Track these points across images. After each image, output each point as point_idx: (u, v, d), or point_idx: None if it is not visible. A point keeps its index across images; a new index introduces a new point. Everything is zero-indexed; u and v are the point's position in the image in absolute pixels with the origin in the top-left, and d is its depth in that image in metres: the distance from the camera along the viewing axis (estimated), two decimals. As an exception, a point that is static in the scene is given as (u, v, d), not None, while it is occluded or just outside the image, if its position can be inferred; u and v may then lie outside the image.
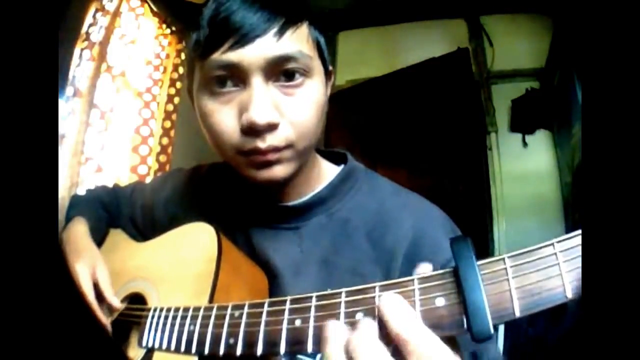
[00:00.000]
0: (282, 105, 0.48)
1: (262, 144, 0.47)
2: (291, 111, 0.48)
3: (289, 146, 0.49)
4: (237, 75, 0.48)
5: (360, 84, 2.45)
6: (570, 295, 0.27)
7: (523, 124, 2.24)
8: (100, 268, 0.61)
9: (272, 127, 0.47)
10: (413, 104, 2.20)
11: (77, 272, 0.59)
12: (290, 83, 0.49)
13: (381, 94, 2.32)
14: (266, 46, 0.46)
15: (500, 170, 2.22)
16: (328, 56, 0.56)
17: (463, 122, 2.08)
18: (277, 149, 0.48)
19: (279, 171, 0.50)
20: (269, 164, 0.49)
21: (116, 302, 0.58)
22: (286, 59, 0.47)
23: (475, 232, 1.98)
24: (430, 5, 2.41)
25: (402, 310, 0.30)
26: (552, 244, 0.28)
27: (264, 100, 0.46)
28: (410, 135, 2.20)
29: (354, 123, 2.35)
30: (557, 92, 2.06)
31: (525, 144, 2.23)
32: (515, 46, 2.32)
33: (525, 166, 2.22)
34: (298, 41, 0.48)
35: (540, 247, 0.29)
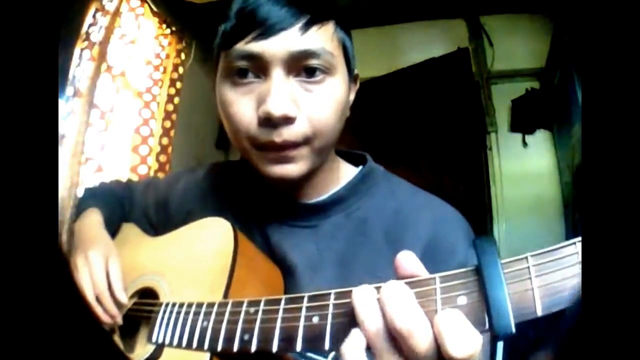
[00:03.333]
0: (301, 100, 0.48)
1: (277, 138, 0.47)
2: (309, 107, 0.48)
3: (305, 143, 0.49)
4: (259, 67, 0.48)
5: (360, 84, 2.44)
6: None
7: (523, 124, 2.23)
8: (113, 260, 0.59)
9: (288, 120, 0.47)
10: (413, 104, 2.20)
11: (90, 261, 0.57)
12: (311, 79, 0.48)
13: (381, 94, 2.31)
14: (290, 40, 0.47)
15: (500, 170, 2.22)
16: (354, 58, 0.55)
17: (463, 122, 2.08)
18: (292, 145, 0.48)
19: (293, 169, 0.49)
20: (284, 160, 0.49)
21: (124, 298, 0.56)
22: (309, 54, 0.47)
23: (475, 232, 1.98)
24: (430, 5, 2.41)
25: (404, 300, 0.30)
26: (574, 243, 0.28)
27: (282, 93, 0.46)
28: (411, 135, 2.19)
29: (354, 123, 2.34)
30: (557, 92, 2.05)
31: (525, 144, 2.23)
32: (515, 46, 2.32)
33: (525, 166, 2.21)
34: (322, 38, 0.48)
35: (563, 247, 0.29)
